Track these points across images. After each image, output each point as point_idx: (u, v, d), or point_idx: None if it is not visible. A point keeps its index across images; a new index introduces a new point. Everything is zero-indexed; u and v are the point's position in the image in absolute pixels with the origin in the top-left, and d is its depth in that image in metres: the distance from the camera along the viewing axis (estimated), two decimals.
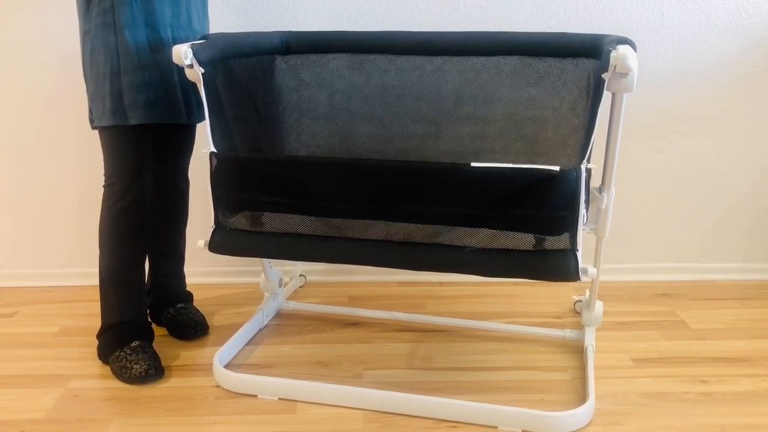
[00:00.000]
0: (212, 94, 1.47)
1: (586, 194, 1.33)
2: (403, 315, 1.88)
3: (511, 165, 1.27)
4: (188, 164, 1.81)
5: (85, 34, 1.53)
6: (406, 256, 1.37)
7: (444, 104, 1.77)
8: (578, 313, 1.95)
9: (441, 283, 2.15)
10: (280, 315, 1.93)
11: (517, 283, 2.11)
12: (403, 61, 1.77)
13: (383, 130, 1.82)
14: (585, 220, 1.36)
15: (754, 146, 2.07)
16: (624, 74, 1.22)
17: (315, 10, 1.95)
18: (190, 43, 1.40)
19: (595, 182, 1.48)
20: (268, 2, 1.95)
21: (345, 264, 1.44)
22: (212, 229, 1.46)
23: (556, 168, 1.25)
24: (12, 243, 2.12)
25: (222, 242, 1.46)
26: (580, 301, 1.91)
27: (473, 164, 1.28)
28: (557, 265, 1.29)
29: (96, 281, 1.63)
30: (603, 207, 1.46)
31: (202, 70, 1.41)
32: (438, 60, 1.75)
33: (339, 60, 1.79)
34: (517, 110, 1.73)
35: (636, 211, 2.12)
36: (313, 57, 1.80)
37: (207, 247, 1.47)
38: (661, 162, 2.08)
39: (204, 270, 2.12)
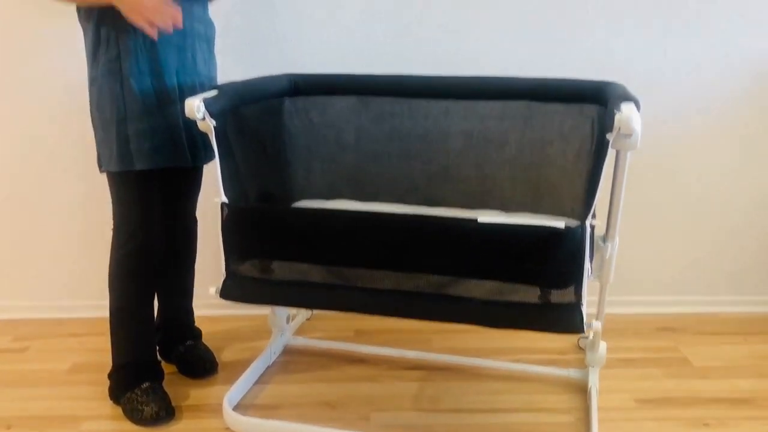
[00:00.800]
0: (223, 144, 1.49)
1: (590, 248, 1.36)
2: (411, 353, 1.90)
3: (516, 221, 1.30)
4: (196, 204, 1.83)
5: (92, 81, 1.57)
6: (414, 307, 1.40)
7: (451, 146, 1.79)
8: (582, 348, 1.97)
9: None
10: (287, 351, 1.95)
11: None
12: (410, 103, 1.80)
13: (391, 170, 1.85)
14: (590, 273, 1.38)
15: (758, 179, 2.09)
16: (628, 135, 1.24)
17: (322, 52, 1.97)
18: (202, 96, 1.43)
19: (600, 230, 1.50)
20: (274, 46, 1.97)
21: (354, 312, 1.46)
22: (223, 278, 1.49)
23: (561, 225, 1.27)
24: (23, 275, 2.15)
25: (233, 290, 1.48)
26: (585, 337, 1.94)
27: (480, 220, 1.31)
28: (562, 319, 1.32)
29: (107, 313, 1.66)
30: (607, 257, 1.48)
31: (214, 123, 1.43)
32: (444, 103, 1.78)
33: (346, 102, 1.82)
34: (522, 154, 1.75)
35: (638, 244, 2.14)
36: (320, 98, 1.83)
37: (218, 294, 1.49)
38: (662, 194, 2.10)
39: (211, 302, 2.13)
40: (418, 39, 1.96)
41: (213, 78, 1.72)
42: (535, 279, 1.32)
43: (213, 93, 1.47)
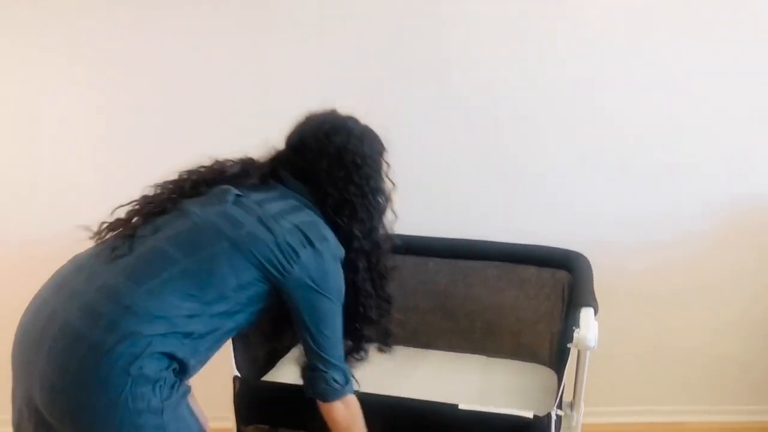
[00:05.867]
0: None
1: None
2: None
3: (492, 410, 1.50)
4: None
5: None
6: None
7: (441, 300, 2.00)
8: None
9: None
10: None
11: None
12: (411, 260, 2.00)
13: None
14: None
15: (715, 307, 2.28)
16: (586, 348, 1.45)
17: None
18: None
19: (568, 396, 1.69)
20: None
21: None
22: None
23: (530, 415, 1.48)
24: None
25: None
26: None
27: (461, 407, 1.51)
28: None
29: None
30: (574, 424, 1.67)
31: None
32: (434, 261, 1.98)
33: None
34: (503, 309, 1.96)
35: (610, 358, 2.31)
36: None
37: None
38: (637, 311, 2.28)
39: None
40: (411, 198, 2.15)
41: None
42: None
43: None
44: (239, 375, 1.65)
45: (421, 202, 2.14)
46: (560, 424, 1.59)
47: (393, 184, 1.51)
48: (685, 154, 2.10)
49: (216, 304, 1.26)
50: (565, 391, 1.61)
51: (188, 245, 1.26)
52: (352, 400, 1.41)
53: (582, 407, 1.68)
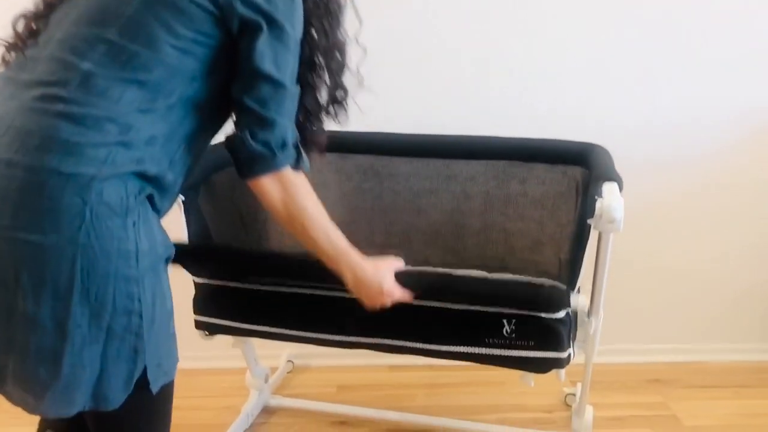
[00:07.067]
0: (194, 220, 1.44)
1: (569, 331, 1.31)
2: (393, 414, 1.85)
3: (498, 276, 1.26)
4: None
5: None
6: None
7: (432, 207, 1.75)
8: (569, 405, 1.92)
9: (431, 368, 2.11)
10: (266, 411, 1.90)
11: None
12: (391, 161, 1.75)
13: (371, 228, 1.80)
14: (572, 354, 1.34)
15: (745, 228, 2.06)
16: (610, 221, 1.20)
17: None
18: None
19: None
20: None
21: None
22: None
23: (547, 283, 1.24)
24: None
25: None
26: (572, 394, 1.89)
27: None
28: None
29: None
30: (591, 332, 1.43)
31: (182, 198, 1.38)
32: (426, 162, 1.73)
33: (327, 157, 1.77)
34: (506, 216, 1.71)
35: (627, 292, 2.09)
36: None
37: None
38: (651, 241, 2.06)
39: (186, 355, 2.07)
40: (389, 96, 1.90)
41: None
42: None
43: None
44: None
45: (410, 94, 1.89)
46: (575, 325, 1.35)
47: None
48: (710, 48, 1.87)
49: (166, 84, 0.96)
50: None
51: (100, 19, 0.98)
52: (290, 178, 1.04)
53: (601, 313, 1.43)
